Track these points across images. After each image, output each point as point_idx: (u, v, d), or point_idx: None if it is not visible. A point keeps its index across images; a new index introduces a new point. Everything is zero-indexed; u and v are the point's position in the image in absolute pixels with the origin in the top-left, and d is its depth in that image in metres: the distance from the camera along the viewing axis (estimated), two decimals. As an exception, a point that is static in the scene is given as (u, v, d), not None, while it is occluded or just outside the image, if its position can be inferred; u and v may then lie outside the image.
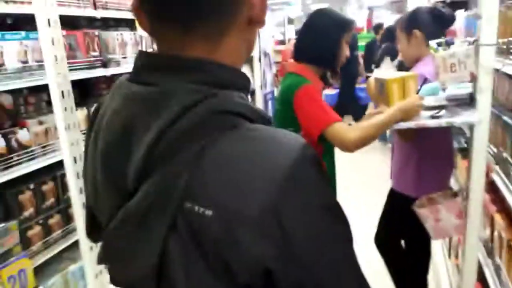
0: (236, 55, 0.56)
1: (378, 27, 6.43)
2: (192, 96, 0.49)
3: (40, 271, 2.04)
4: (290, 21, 8.89)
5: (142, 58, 0.55)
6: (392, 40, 5.41)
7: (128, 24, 2.85)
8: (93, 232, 0.64)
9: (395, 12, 8.27)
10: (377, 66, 4.89)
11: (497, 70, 1.48)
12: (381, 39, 5.55)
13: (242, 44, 0.57)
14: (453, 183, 2.15)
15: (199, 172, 0.47)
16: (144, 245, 0.50)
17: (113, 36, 2.57)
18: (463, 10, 2.53)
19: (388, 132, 5.28)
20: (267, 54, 3.80)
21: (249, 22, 0.54)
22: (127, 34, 2.70)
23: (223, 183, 0.47)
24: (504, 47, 1.51)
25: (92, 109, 0.63)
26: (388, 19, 7.83)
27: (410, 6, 3.67)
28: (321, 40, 1.57)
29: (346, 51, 1.61)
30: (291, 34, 8.68)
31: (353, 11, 8.09)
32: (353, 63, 5.89)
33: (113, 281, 0.58)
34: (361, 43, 7.10)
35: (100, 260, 0.58)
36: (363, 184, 4.13)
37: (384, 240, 2.00)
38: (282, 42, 8.28)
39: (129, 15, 2.71)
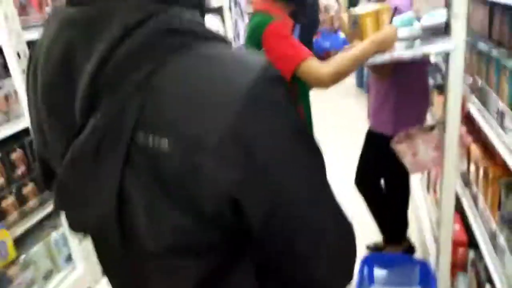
0: None
1: None
2: (135, 14, 0.43)
3: (22, 242, 2.00)
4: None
5: None
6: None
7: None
8: (51, 184, 0.59)
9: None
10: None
11: (471, -4, 1.43)
12: None
13: None
14: (429, 121, 2.16)
15: (150, 98, 0.42)
16: (99, 184, 0.46)
17: None
18: None
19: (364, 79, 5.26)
20: (237, 3, 3.63)
21: None
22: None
23: (179, 108, 0.42)
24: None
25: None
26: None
27: None
28: None
29: None
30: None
31: None
32: (311, 9, 5.49)
33: (72, 227, 0.54)
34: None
35: (56, 206, 0.53)
36: (340, 128, 4.12)
37: (364, 179, 2.02)
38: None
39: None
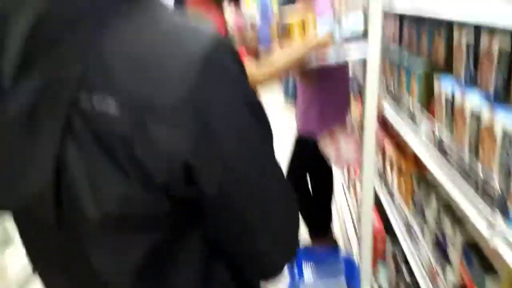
0: None
1: None
2: None
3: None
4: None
5: None
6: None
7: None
8: None
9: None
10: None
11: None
12: None
13: None
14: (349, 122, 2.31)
15: (95, 58, 0.39)
16: (35, 154, 0.40)
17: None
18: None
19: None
20: None
21: None
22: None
23: (129, 69, 0.39)
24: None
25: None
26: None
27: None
28: None
29: None
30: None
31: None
32: None
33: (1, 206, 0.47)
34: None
35: None
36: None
37: (292, 177, 2.09)
38: None
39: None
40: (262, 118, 0.49)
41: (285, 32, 1.64)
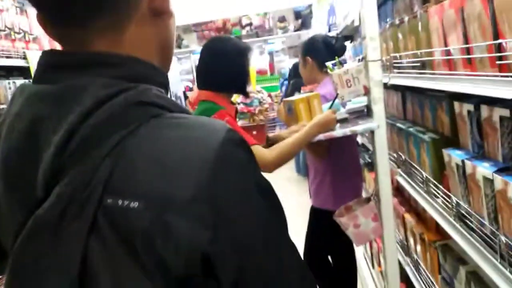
0: (147, 50, 0.54)
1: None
2: (107, 90, 0.46)
3: None
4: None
5: (47, 57, 0.51)
6: (299, 76, 5.76)
7: (22, 72, 2.65)
8: (2, 266, 0.54)
9: (292, 56, 9.04)
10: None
11: (385, 84, 1.66)
12: (289, 75, 5.89)
13: (152, 38, 0.55)
14: (364, 195, 2.30)
15: (121, 163, 0.44)
16: (61, 255, 0.43)
17: (4, 85, 2.36)
18: (349, 41, 2.84)
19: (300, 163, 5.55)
20: (178, 97, 3.80)
21: (153, 14, 0.53)
22: (20, 83, 2.51)
23: (150, 171, 0.44)
24: (388, 63, 1.72)
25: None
26: (287, 62, 8.49)
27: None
28: (229, 67, 1.60)
29: (251, 74, 1.70)
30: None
31: (256, 56, 8.65)
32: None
33: None
34: (266, 84, 7.56)
35: None
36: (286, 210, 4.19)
37: (312, 255, 2.03)
38: (191, 90, 8.41)
39: (22, 63, 2.53)
40: (276, 204, 0.52)
41: (291, 111, 1.73)
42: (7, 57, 2.39)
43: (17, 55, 2.49)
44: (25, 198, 0.46)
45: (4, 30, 2.41)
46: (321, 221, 1.98)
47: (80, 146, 0.44)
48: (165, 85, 0.55)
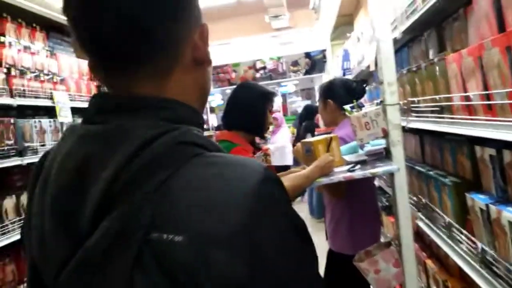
0: (189, 95, 0.58)
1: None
2: (152, 131, 0.49)
3: None
4: (212, 110, 9.34)
5: (97, 100, 0.55)
6: (311, 117, 5.87)
7: (47, 111, 2.76)
8: None
9: (305, 98, 9.20)
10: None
11: (403, 127, 1.68)
12: (300, 117, 5.96)
13: (193, 84, 0.59)
14: (382, 239, 2.26)
15: (165, 201, 0.46)
16: (107, 287, 0.45)
17: (30, 124, 2.45)
18: (364, 85, 2.91)
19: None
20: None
21: (195, 63, 0.58)
22: (45, 122, 2.60)
23: (193, 208, 0.46)
24: (405, 107, 1.75)
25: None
26: (300, 104, 8.66)
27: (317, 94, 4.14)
28: (248, 111, 1.70)
29: (270, 119, 1.77)
30: (213, 122, 9.04)
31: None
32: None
33: None
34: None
35: None
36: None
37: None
38: (206, 130, 8.56)
39: (48, 103, 2.64)
40: (308, 239, 0.53)
41: (310, 152, 1.75)
42: (35, 97, 2.50)
43: (45, 95, 2.60)
44: (72, 231, 0.48)
45: (35, 72, 2.54)
46: (339, 265, 1.93)
47: (128, 183, 0.46)
48: (202, 126, 0.59)
